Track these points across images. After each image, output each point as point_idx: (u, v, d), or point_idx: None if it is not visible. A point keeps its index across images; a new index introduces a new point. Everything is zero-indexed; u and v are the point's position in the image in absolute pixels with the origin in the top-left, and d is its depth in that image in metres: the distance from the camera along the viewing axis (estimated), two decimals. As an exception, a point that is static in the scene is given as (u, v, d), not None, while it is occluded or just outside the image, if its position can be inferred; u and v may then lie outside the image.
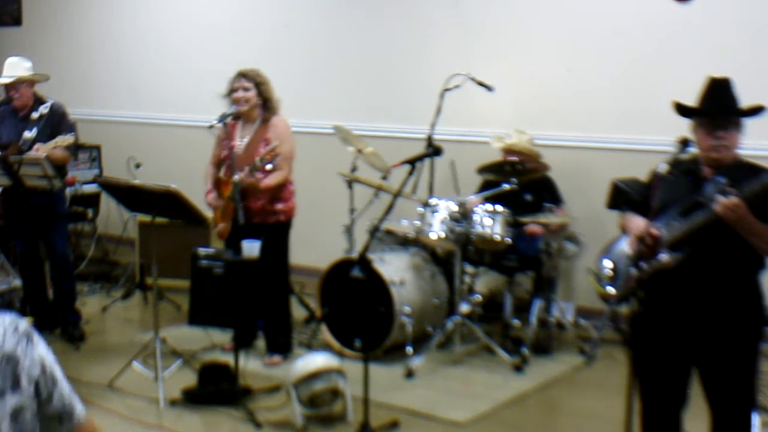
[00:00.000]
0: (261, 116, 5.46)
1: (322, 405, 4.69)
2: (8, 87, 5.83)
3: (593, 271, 3.64)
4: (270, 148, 5.15)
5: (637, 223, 3.43)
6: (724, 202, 3.15)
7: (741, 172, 3.28)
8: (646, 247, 3.32)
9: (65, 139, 5.66)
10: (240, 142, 5.47)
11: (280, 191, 5.46)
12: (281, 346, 5.60)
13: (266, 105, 5.44)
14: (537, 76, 6.48)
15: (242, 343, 5.12)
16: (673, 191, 3.38)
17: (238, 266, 5.13)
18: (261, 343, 5.74)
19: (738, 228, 3.19)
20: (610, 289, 3.55)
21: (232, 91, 5.44)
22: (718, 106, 3.33)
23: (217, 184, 5.56)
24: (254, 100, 5.41)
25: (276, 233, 5.46)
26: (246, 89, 5.39)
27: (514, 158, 5.90)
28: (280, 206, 5.47)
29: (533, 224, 5.76)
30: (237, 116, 5.50)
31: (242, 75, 5.42)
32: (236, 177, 5.21)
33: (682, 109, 3.42)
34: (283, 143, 5.31)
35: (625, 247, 3.50)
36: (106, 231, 8.13)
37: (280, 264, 5.59)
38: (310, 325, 6.17)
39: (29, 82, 5.85)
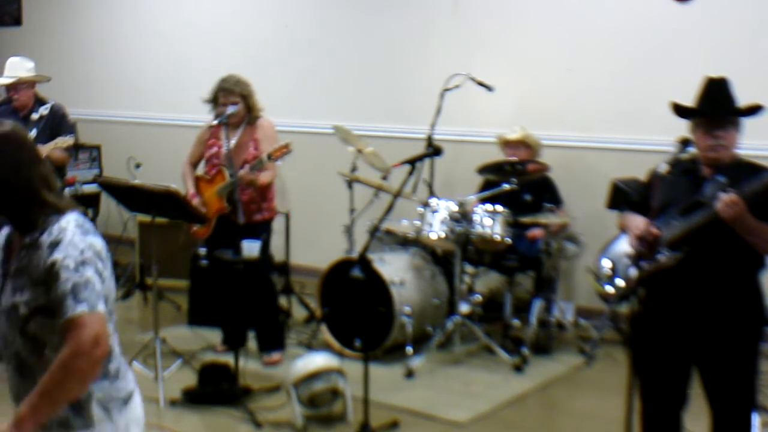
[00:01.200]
0: (246, 118, 5.49)
1: (322, 405, 4.69)
2: (9, 87, 5.83)
3: (592, 270, 3.64)
4: (281, 145, 5.16)
5: (637, 222, 3.42)
6: (724, 198, 3.15)
7: (740, 171, 3.28)
8: (646, 246, 3.32)
9: (65, 141, 5.67)
10: (227, 143, 5.48)
11: (267, 190, 5.49)
12: (276, 342, 5.60)
13: (249, 108, 5.48)
14: (537, 76, 6.49)
15: (235, 344, 5.11)
16: (672, 191, 3.38)
17: (229, 266, 5.14)
18: (254, 344, 5.72)
19: (736, 226, 3.18)
20: (610, 289, 3.54)
21: (216, 101, 5.45)
22: (715, 106, 3.33)
23: (196, 184, 5.58)
24: (242, 112, 5.45)
25: (261, 230, 5.47)
26: (234, 104, 5.40)
27: (514, 158, 5.91)
28: (265, 204, 5.49)
29: (534, 229, 5.76)
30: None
31: (227, 91, 5.39)
32: (241, 172, 5.22)
33: (680, 110, 3.42)
34: (272, 144, 5.33)
35: (624, 246, 3.49)
36: (106, 231, 8.11)
37: (266, 261, 5.59)
38: (310, 325, 6.17)
39: (30, 83, 5.84)
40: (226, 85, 5.43)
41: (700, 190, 3.30)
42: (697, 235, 3.27)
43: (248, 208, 5.39)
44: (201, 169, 5.69)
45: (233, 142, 5.44)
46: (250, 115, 5.49)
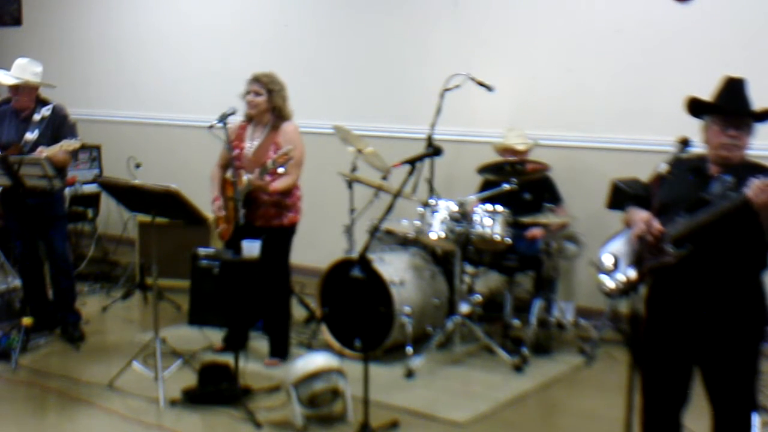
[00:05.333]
0: (272, 121, 5.47)
1: (322, 405, 4.69)
2: (12, 88, 5.81)
3: (595, 263, 3.62)
4: (283, 152, 5.15)
5: (642, 216, 3.39)
6: (757, 183, 3.10)
7: (746, 171, 3.26)
8: (649, 242, 3.30)
9: (71, 144, 5.66)
10: (250, 144, 5.49)
11: (287, 196, 5.46)
12: (279, 350, 5.59)
13: (276, 111, 5.46)
14: (537, 76, 6.49)
15: (235, 345, 5.10)
16: (675, 189, 3.37)
17: (235, 266, 5.13)
18: (254, 344, 5.73)
19: (764, 212, 3.15)
20: (611, 283, 3.53)
21: (246, 93, 5.48)
22: (735, 104, 3.32)
23: (223, 186, 5.57)
24: (263, 106, 5.44)
25: (279, 236, 5.46)
26: (257, 94, 5.42)
27: (514, 158, 5.91)
28: (285, 210, 5.47)
29: (533, 228, 5.76)
30: (249, 118, 5.53)
31: (256, 79, 5.46)
32: (245, 177, 5.22)
33: (698, 105, 3.39)
34: (294, 148, 5.32)
35: (627, 242, 3.47)
36: (106, 231, 8.13)
37: (282, 267, 5.58)
38: (310, 325, 6.17)
39: (34, 87, 5.82)
40: (256, 74, 5.46)
41: (706, 188, 3.29)
42: (702, 233, 3.25)
43: (267, 212, 5.38)
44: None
45: (255, 143, 5.45)
46: (274, 116, 5.48)
